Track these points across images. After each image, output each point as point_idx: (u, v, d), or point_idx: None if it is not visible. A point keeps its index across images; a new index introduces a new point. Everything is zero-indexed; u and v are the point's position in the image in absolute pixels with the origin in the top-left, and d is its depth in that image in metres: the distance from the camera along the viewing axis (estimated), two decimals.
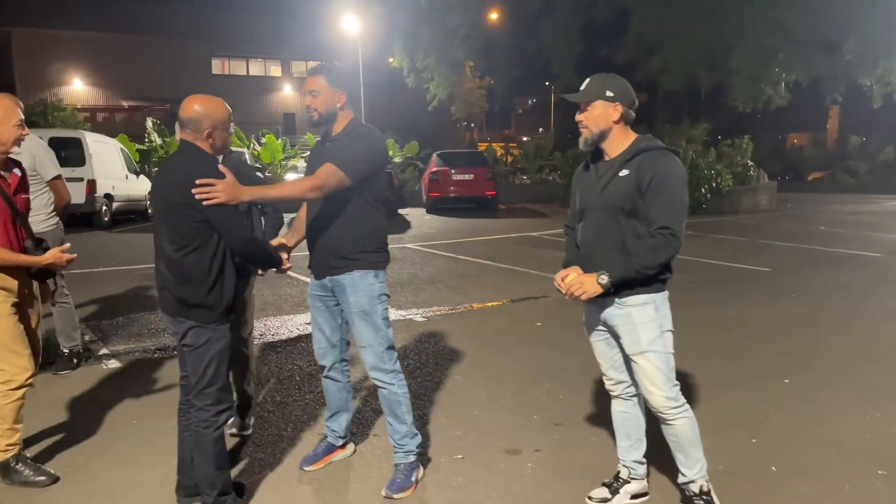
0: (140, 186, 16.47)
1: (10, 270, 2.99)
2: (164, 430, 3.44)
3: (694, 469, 2.67)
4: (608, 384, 2.87)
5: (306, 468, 3.21)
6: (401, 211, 17.82)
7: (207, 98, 2.68)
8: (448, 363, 4.92)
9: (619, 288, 2.54)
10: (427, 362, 4.94)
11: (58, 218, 4.55)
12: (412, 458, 3.07)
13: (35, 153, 4.30)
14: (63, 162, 12.55)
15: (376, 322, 2.98)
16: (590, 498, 2.89)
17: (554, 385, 4.41)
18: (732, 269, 9.10)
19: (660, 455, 2.88)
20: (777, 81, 22.76)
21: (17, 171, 3.14)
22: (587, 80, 2.65)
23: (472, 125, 50.99)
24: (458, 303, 7.00)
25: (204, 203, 2.50)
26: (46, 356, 4.13)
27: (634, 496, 2.89)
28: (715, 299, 7.13)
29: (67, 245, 3.19)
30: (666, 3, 21.97)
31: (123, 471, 3.21)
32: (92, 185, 13.60)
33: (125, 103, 33.60)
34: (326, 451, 3.29)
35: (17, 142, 3.05)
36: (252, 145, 22.58)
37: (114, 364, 4.90)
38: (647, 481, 2.95)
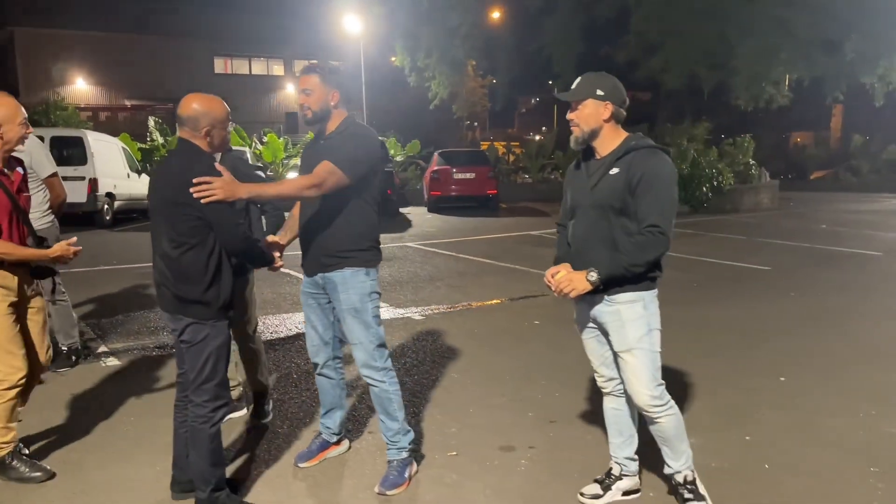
0: (142, 185, 16.47)
1: (11, 268, 3.00)
2: (161, 427, 3.45)
3: (679, 461, 2.71)
4: (600, 381, 2.88)
5: (301, 465, 3.23)
6: (402, 210, 17.82)
7: (206, 96, 2.71)
8: (445, 361, 4.93)
9: (609, 285, 2.55)
10: (424, 360, 4.96)
11: (53, 216, 4.56)
12: (405, 454, 3.09)
13: (31, 151, 4.29)
14: (65, 161, 12.80)
15: (367, 320, 2.99)
16: (582, 494, 2.91)
17: (549, 382, 4.42)
18: (733, 267, 9.08)
19: (652, 452, 2.89)
20: (779, 80, 22.75)
21: (19, 169, 3.16)
22: (578, 79, 2.67)
23: (475, 124, 51.04)
24: (457, 301, 7.01)
25: (201, 201, 2.52)
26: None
27: (626, 493, 2.90)
28: (715, 298, 7.13)
29: (74, 238, 3.22)
30: (667, 2, 21.95)
31: (119, 467, 3.23)
32: (94, 183, 13.65)
33: (128, 102, 33.61)
34: (321, 447, 3.31)
35: (22, 140, 3.07)
36: (254, 144, 22.61)
37: (112, 362, 4.93)
38: (640, 478, 2.96)
